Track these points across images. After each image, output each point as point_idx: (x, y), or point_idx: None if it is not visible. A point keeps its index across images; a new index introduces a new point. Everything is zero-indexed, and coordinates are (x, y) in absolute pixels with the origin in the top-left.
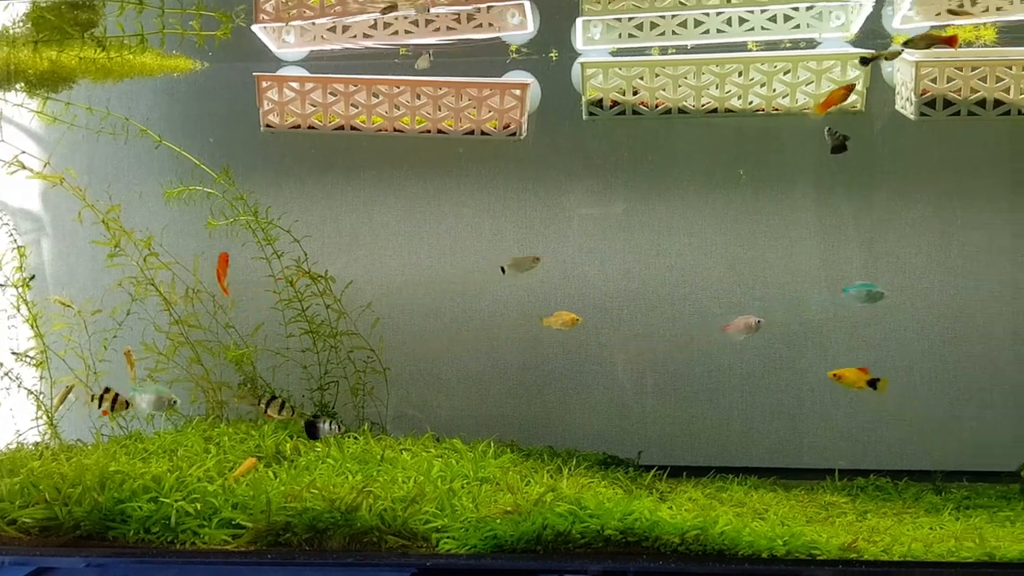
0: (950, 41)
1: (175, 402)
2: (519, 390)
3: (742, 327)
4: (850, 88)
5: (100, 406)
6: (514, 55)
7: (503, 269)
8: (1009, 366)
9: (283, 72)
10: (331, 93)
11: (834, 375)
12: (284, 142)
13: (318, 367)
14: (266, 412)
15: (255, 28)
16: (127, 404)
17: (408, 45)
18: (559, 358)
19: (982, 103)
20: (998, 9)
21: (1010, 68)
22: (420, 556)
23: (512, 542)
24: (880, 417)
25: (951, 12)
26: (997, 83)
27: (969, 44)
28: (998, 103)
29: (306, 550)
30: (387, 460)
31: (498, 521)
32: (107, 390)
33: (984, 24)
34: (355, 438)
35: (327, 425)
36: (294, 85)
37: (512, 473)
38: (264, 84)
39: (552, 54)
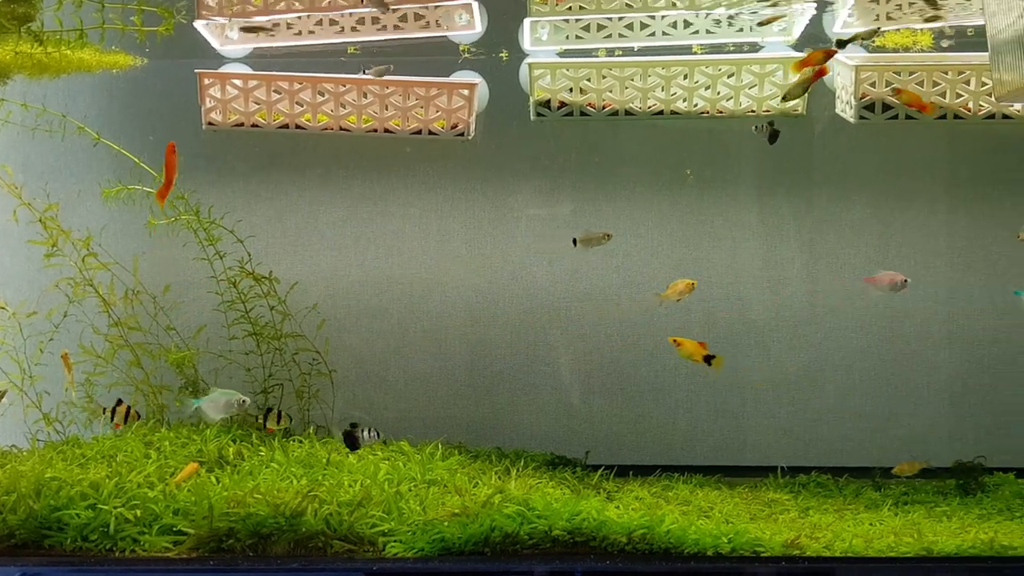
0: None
1: (245, 402)
2: (467, 391)
3: (887, 282)
4: (829, 53)
5: (112, 419)
6: (466, 55)
7: (575, 242)
8: (945, 364)
9: (226, 69)
10: (275, 91)
11: (674, 340)
12: (227, 140)
13: (262, 370)
14: (265, 426)
15: (197, 24)
16: (138, 416)
17: (355, 43)
18: (507, 359)
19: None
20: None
21: (946, 73)
22: (367, 560)
23: (460, 544)
24: (820, 415)
25: (928, 3)
26: (934, 88)
27: (906, 49)
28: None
29: (249, 556)
30: (333, 464)
31: (446, 524)
32: (119, 402)
33: (921, 30)
34: (300, 441)
35: (366, 433)
36: (237, 82)
37: (460, 475)
38: (206, 81)
39: (503, 54)
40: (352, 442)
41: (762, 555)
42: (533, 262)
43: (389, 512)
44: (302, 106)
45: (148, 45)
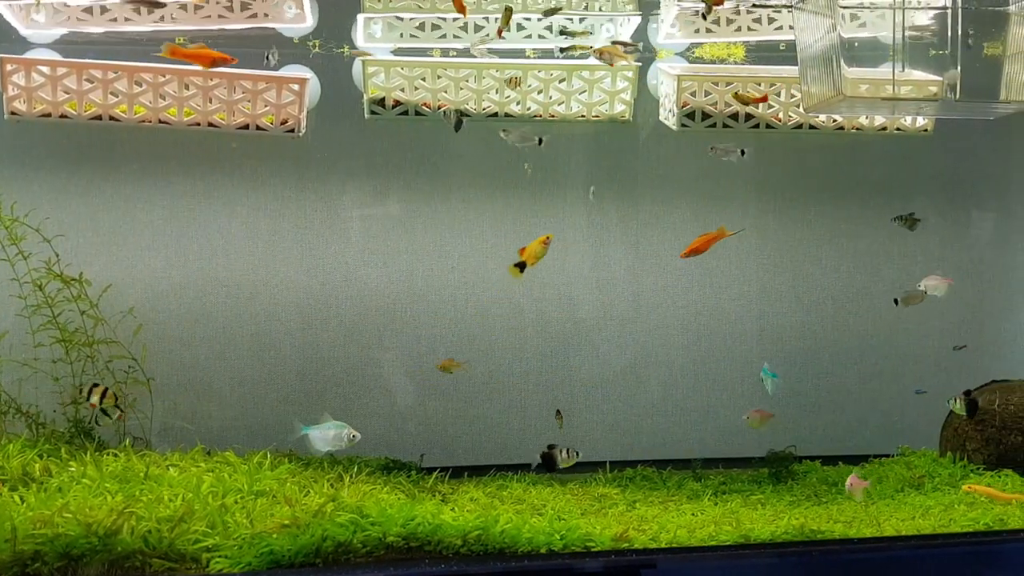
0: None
1: (356, 437)
2: (297, 397)
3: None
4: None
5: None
6: (316, 50)
7: (896, 301)
8: (757, 359)
9: (31, 55)
10: (87, 80)
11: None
12: (33, 132)
13: (72, 378)
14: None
15: None
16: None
17: (180, 32)
18: (340, 362)
19: (736, 116)
20: (749, 29)
21: (759, 84)
22: None
23: (290, 557)
24: (645, 410)
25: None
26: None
27: (722, 61)
28: (749, 117)
29: None
30: (152, 477)
31: (275, 536)
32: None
33: (735, 43)
34: (115, 455)
35: (564, 453)
36: (44, 69)
37: (290, 484)
38: (8, 68)
39: (343, 49)
40: (550, 464)
41: (593, 550)
42: (367, 263)
43: (214, 526)
44: (117, 96)
45: None
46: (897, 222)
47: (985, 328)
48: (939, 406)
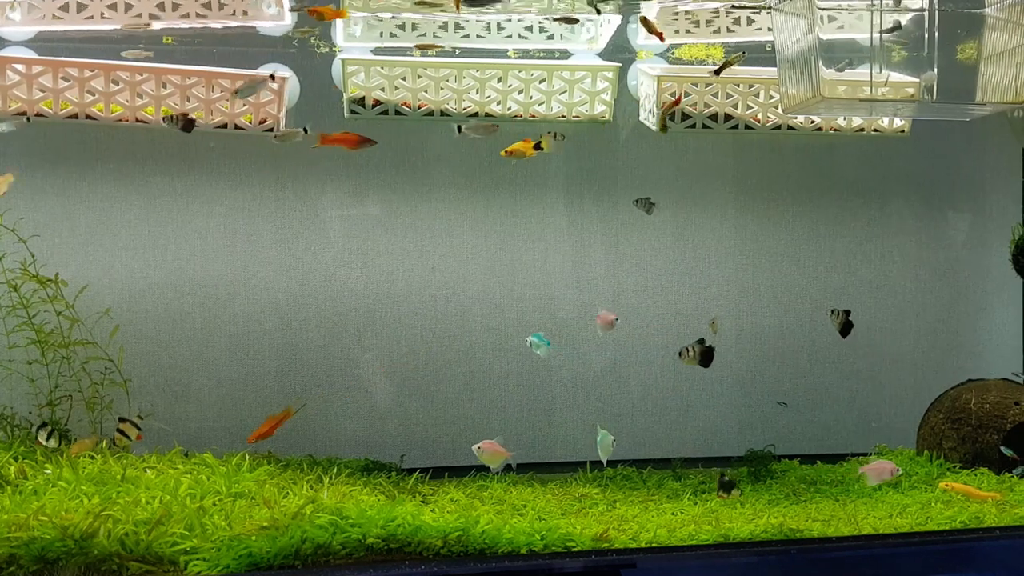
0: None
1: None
2: (276, 398)
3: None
4: None
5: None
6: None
7: (459, 129)
8: (736, 359)
9: (6, 53)
10: (63, 78)
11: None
12: (7, 131)
13: (47, 380)
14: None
15: None
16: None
17: (157, 30)
18: (319, 363)
19: (715, 117)
20: (729, 31)
21: (738, 86)
22: None
23: (269, 559)
24: (625, 410)
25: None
26: (727, 99)
27: (701, 62)
28: (728, 117)
29: None
30: (129, 480)
31: (253, 538)
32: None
33: (713, 44)
34: (91, 457)
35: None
36: (19, 67)
37: (269, 486)
38: None
39: (335, 48)
40: (727, 489)
41: (573, 550)
42: (347, 263)
43: (192, 529)
44: (93, 95)
45: None
46: (636, 204)
47: (961, 328)
48: (916, 405)
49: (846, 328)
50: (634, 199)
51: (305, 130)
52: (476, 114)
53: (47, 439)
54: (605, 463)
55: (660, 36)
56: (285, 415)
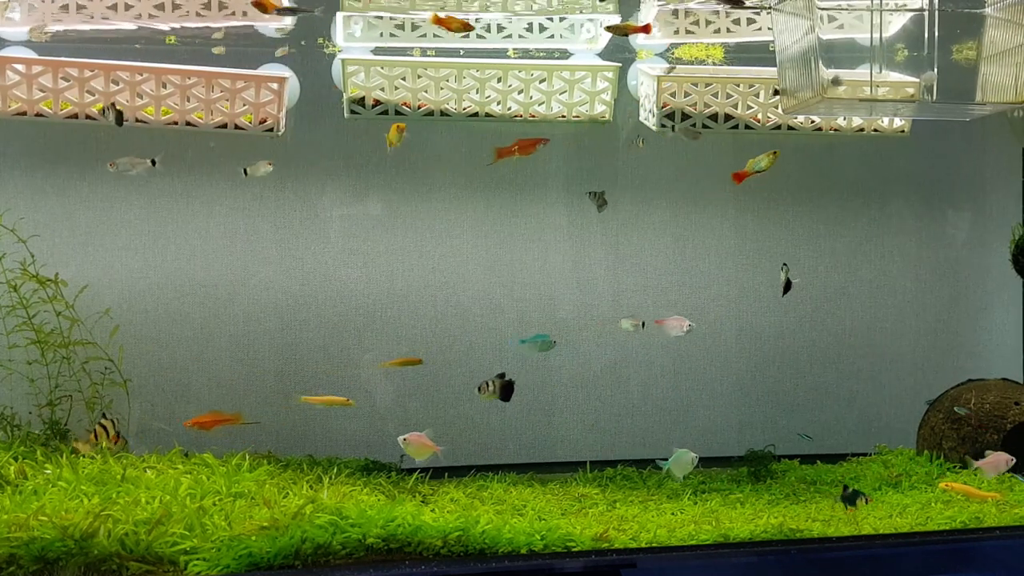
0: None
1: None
2: (276, 398)
3: (674, 326)
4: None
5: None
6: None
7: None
8: (735, 359)
9: (7, 53)
10: (63, 78)
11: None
12: (8, 130)
13: (47, 380)
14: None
15: None
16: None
17: (154, 30)
18: (319, 363)
19: (715, 117)
20: (728, 31)
21: (738, 86)
22: None
23: (269, 559)
24: (625, 409)
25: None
26: (727, 99)
27: (701, 62)
28: (728, 117)
29: None
30: (129, 480)
31: (253, 538)
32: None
33: (713, 44)
34: (91, 457)
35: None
36: (19, 67)
37: (269, 486)
38: None
39: (336, 48)
40: (853, 500)
41: (573, 550)
42: (347, 263)
43: (192, 529)
44: (94, 95)
45: None
46: (590, 197)
47: (961, 327)
48: (916, 405)
49: (601, 206)
50: (588, 191)
51: (153, 162)
52: (476, 114)
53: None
54: (682, 478)
55: (643, 30)
56: (232, 419)
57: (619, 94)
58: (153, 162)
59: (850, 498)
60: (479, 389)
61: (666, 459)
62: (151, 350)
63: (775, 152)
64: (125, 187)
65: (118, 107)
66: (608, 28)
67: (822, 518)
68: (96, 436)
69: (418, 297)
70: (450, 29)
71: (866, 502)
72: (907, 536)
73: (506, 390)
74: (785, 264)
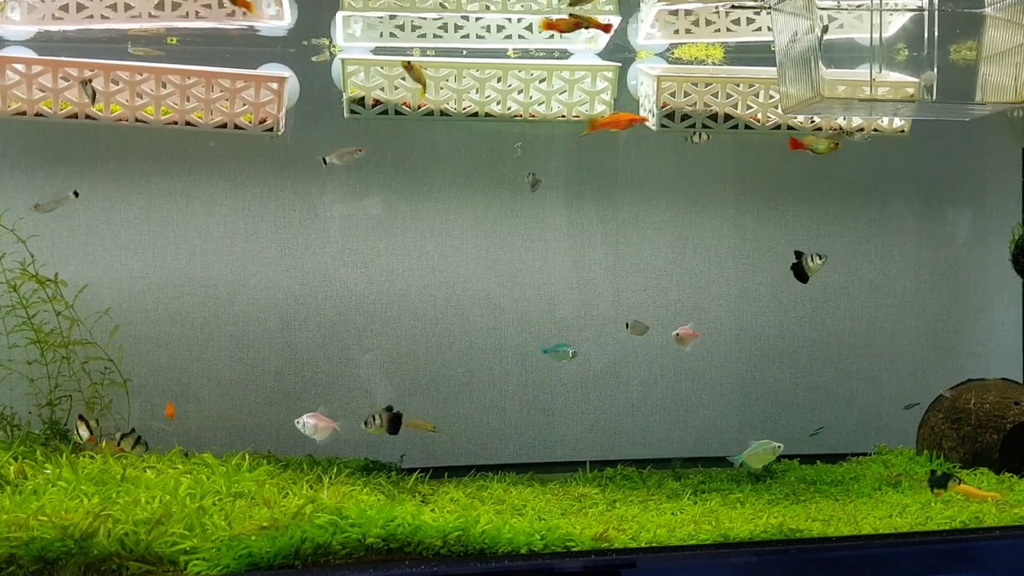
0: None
1: (779, 447)
2: (276, 397)
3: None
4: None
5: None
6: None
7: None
8: (735, 358)
9: (6, 53)
10: (63, 78)
11: None
12: (7, 130)
13: (47, 380)
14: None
15: None
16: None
17: (152, 29)
18: (319, 363)
19: (715, 117)
20: (728, 31)
21: (738, 85)
22: None
23: (269, 559)
24: (625, 409)
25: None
26: (727, 99)
27: (701, 62)
28: (728, 117)
29: None
30: (128, 480)
31: (253, 538)
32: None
33: (713, 44)
34: (91, 457)
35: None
36: (18, 67)
37: (269, 486)
38: None
39: (336, 47)
40: (943, 483)
41: (573, 550)
42: (346, 263)
43: (192, 529)
44: (94, 96)
45: None
46: (528, 177)
47: (961, 327)
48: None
49: (534, 186)
50: (527, 173)
51: (75, 193)
52: (476, 114)
53: (132, 446)
54: (761, 470)
55: (604, 28)
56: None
57: (619, 94)
58: (75, 194)
59: (940, 481)
60: (365, 423)
61: (739, 454)
62: (151, 350)
63: (837, 144)
64: (125, 187)
65: (92, 84)
66: (570, 5)
67: (822, 518)
68: (120, 442)
69: (418, 297)
70: (417, 80)
71: (958, 483)
72: (907, 536)
73: (394, 423)
74: (802, 252)
